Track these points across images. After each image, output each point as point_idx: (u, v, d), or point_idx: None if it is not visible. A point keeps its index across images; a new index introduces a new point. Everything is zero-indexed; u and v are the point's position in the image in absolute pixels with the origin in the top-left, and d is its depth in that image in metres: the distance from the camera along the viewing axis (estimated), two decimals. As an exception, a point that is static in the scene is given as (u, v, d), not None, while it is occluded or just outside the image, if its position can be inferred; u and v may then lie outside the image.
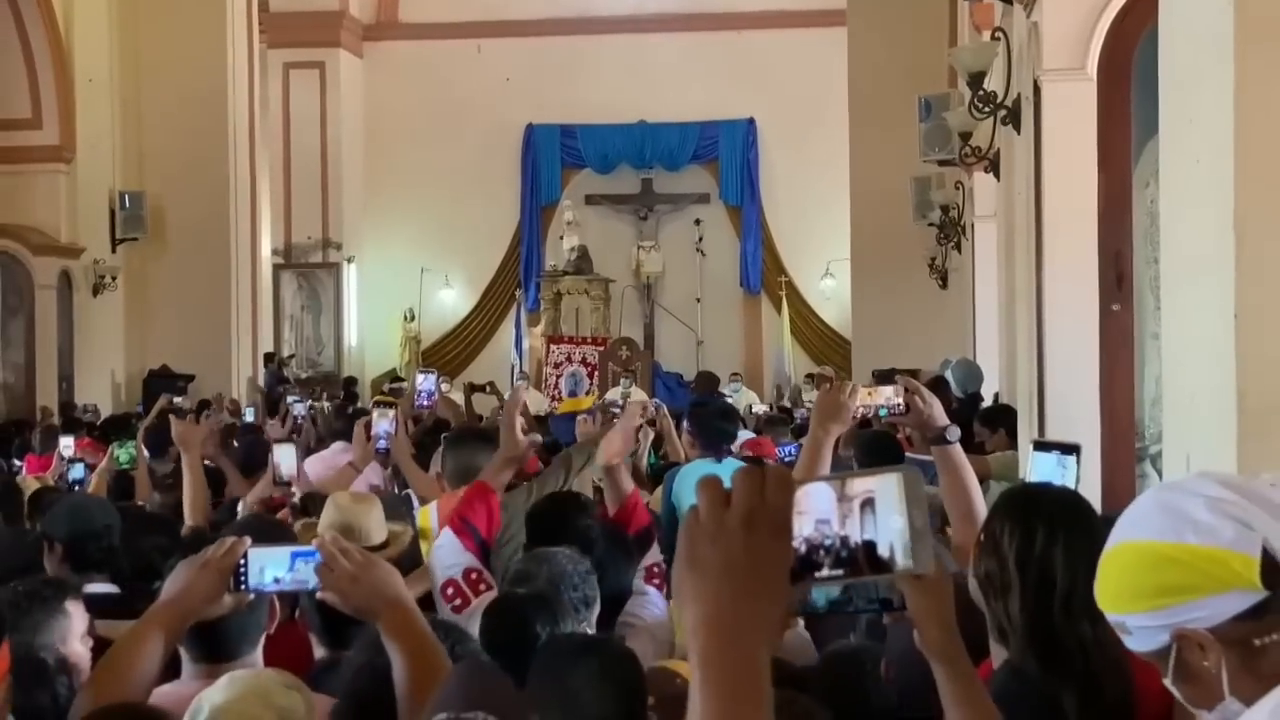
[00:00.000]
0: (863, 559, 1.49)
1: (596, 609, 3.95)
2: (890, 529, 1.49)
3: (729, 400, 15.84)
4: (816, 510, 1.51)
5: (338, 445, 8.54)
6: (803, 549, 1.50)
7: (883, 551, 1.49)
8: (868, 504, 1.49)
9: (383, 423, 6.55)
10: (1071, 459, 3.72)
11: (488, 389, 15.81)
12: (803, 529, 1.50)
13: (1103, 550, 2.00)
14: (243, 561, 2.98)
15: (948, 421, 3.93)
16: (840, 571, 1.50)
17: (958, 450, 3.85)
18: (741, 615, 1.45)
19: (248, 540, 3.02)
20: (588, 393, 20.40)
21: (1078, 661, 2.72)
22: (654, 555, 4.43)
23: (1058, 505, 2.92)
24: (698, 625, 1.46)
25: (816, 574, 1.50)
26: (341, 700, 3.03)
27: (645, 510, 4.47)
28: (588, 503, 4.69)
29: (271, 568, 2.99)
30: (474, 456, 5.34)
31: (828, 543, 1.50)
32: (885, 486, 1.50)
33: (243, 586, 2.99)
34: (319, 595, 3.01)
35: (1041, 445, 3.88)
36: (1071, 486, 3.32)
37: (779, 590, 1.48)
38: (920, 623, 2.43)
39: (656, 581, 4.42)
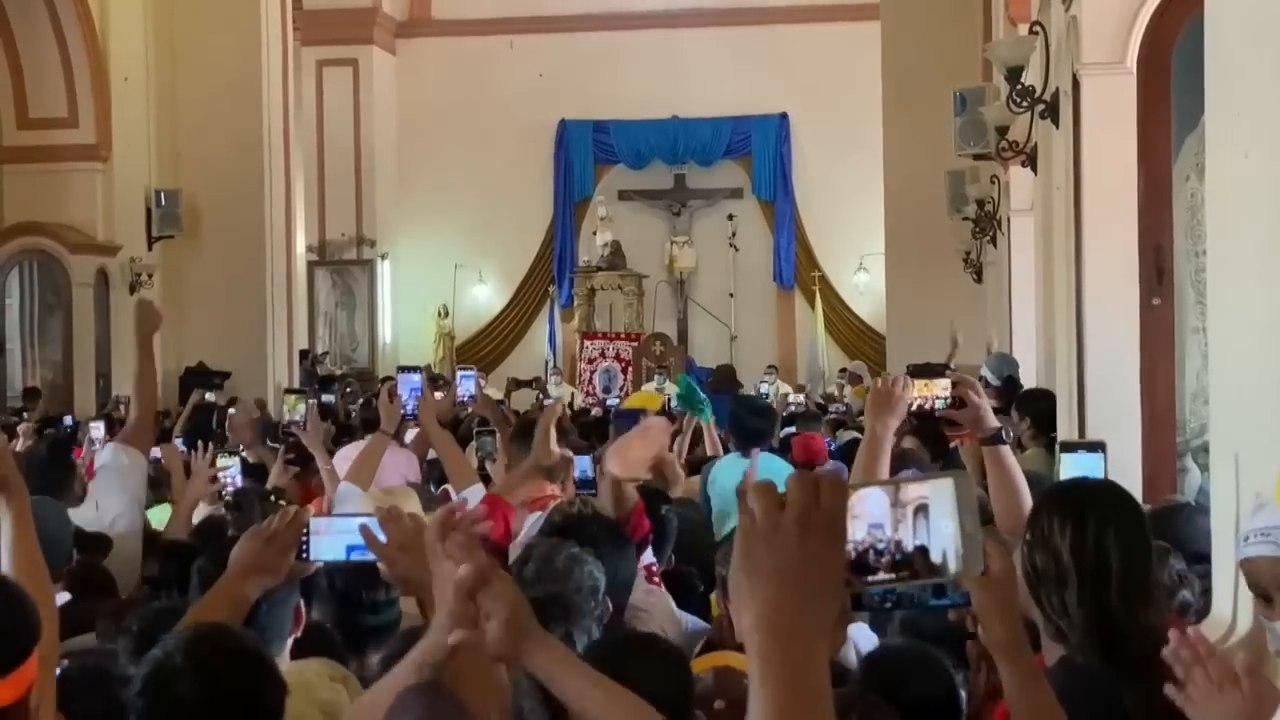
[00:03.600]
0: (918, 563, 1.53)
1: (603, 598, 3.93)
2: (943, 534, 1.52)
3: (764, 392, 15.87)
4: (870, 515, 1.54)
5: (370, 437, 8.50)
6: (855, 552, 1.53)
7: (935, 557, 1.52)
8: (921, 510, 1.53)
9: (407, 384, 6.49)
10: (1098, 456, 3.72)
11: (533, 385, 15.90)
12: (856, 533, 1.53)
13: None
14: (305, 532, 2.99)
15: (998, 423, 3.93)
16: (893, 575, 1.54)
17: (1007, 451, 3.86)
18: (799, 616, 1.48)
19: (310, 509, 3.04)
20: (621, 388, 20.43)
21: (1140, 652, 2.69)
22: (648, 557, 4.42)
23: (1103, 495, 2.92)
24: (755, 626, 1.48)
25: (869, 578, 1.54)
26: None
27: (646, 519, 4.44)
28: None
29: (331, 537, 3.00)
30: None
31: (880, 546, 1.53)
32: (938, 492, 1.53)
33: (304, 556, 3.00)
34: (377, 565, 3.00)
35: (1068, 446, 3.89)
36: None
37: (834, 591, 1.51)
38: (984, 619, 2.44)
39: (656, 580, 4.43)
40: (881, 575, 1.53)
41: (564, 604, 3.62)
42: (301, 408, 7.49)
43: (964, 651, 3.36)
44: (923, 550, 1.52)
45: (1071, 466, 3.62)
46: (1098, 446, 3.69)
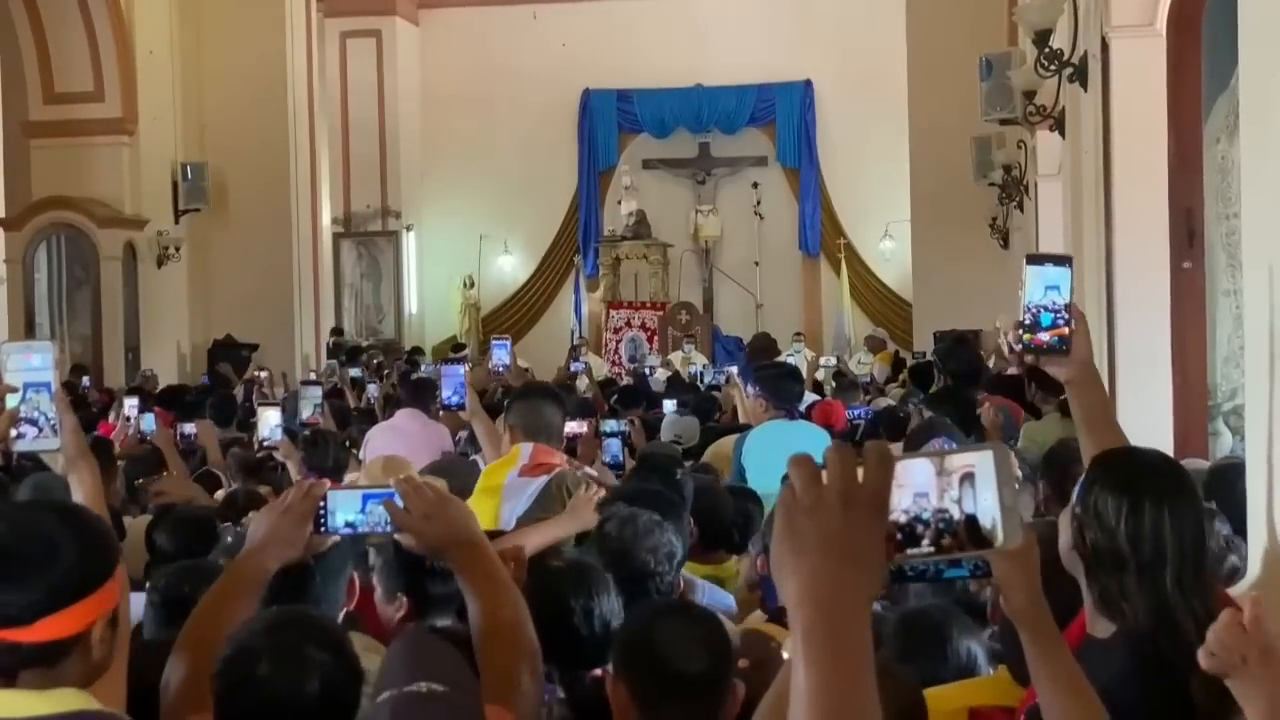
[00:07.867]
0: (964, 533, 1.51)
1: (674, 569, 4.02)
2: (985, 505, 1.51)
3: (791, 359, 15.85)
4: (915, 484, 1.53)
5: (404, 412, 8.61)
6: (901, 520, 1.52)
7: (985, 525, 1.51)
8: (967, 478, 1.51)
9: (453, 379, 6.53)
10: (1065, 270, 3.28)
11: (582, 350, 16.04)
12: (901, 502, 1.52)
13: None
14: (322, 504, 2.98)
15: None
16: (933, 549, 1.52)
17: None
18: (840, 588, 1.47)
19: (326, 483, 3.03)
20: (647, 357, 20.44)
21: (1195, 637, 2.66)
22: None
23: (1161, 476, 2.83)
24: (798, 598, 1.48)
25: (910, 550, 1.52)
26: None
27: None
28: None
29: (348, 510, 2.99)
30: (541, 410, 5.45)
31: (925, 516, 1.52)
32: (981, 463, 1.51)
33: (323, 529, 2.98)
34: (395, 536, 3.01)
35: (1034, 259, 3.41)
36: (1068, 300, 3.10)
37: (876, 563, 1.49)
38: (1005, 589, 2.44)
39: None
40: (925, 547, 1.52)
41: (632, 563, 3.70)
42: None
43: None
44: (972, 520, 1.50)
45: (1036, 279, 3.19)
46: (1065, 260, 3.29)
